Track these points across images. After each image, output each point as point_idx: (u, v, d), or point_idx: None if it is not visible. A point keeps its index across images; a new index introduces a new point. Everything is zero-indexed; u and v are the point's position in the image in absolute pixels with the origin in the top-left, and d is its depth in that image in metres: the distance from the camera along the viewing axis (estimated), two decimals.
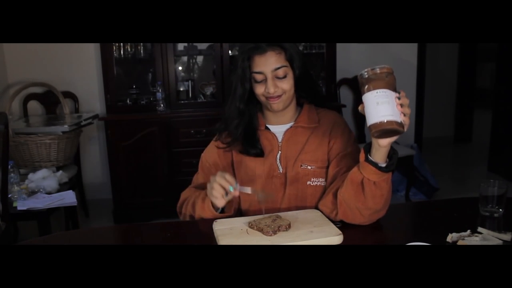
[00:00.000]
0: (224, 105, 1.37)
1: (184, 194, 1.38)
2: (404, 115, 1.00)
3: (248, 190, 1.20)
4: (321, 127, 1.33)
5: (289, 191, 1.31)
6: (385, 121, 0.98)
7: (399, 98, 1.00)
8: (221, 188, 1.17)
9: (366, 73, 1.02)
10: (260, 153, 1.32)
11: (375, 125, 0.99)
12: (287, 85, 1.27)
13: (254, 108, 1.35)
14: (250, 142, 1.32)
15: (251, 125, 1.34)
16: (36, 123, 2.99)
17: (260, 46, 1.24)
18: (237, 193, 1.18)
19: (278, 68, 1.25)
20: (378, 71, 1.01)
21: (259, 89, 1.27)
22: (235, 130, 1.32)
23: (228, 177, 1.17)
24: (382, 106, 0.99)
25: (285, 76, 1.26)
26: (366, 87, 1.02)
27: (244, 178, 1.33)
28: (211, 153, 1.39)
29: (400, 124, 0.99)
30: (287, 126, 1.35)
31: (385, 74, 1.01)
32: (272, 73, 1.25)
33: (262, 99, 1.29)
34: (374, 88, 1.00)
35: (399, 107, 1.00)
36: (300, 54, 1.29)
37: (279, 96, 1.27)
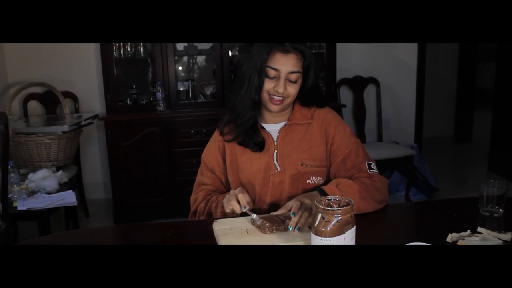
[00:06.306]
0: (232, 97, 1.36)
1: (195, 198, 1.38)
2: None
3: (253, 215, 1.16)
4: (315, 123, 1.35)
5: (289, 189, 1.31)
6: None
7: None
8: (236, 205, 1.20)
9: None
10: (262, 143, 1.33)
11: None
12: (294, 90, 1.28)
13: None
14: (255, 132, 1.33)
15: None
16: (36, 123, 2.99)
17: (285, 45, 1.25)
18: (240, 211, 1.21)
19: (294, 72, 1.26)
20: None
21: (268, 85, 1.27)
22: (247, 123, 1.32)
23: (242, 197, 1.20)
24: None
25: (296, 82, 1.28)
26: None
27: (242, 178, 1.33)
28: (213, 153, 1.39)
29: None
30: (281, 124, 1.36)
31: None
32: (287, 75, 1.26)
33: (265, 96, 1.29)
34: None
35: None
36: (315, 67, 1.31)
37: (282, 100, 1.28)
